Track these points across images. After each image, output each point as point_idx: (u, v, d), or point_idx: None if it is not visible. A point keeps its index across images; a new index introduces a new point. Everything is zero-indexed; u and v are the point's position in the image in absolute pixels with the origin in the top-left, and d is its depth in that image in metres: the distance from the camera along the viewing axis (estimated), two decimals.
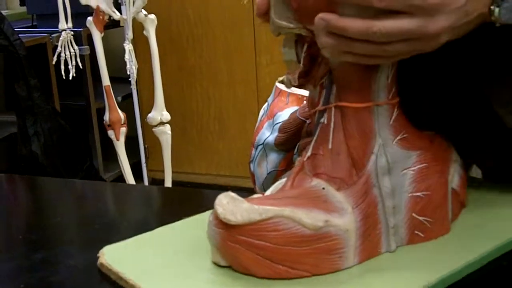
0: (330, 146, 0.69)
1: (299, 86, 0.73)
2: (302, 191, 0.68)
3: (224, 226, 0.64)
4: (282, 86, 1.06)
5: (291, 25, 0.67)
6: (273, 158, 1.02)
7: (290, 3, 0.65)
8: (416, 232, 0.70)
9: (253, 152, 1.07)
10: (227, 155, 3.31)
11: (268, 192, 0.72)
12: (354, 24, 0.59)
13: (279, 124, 1.02)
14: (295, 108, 1.01)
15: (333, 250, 0.65)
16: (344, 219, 0.65)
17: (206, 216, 0.68)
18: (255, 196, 0.70)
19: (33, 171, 2.51)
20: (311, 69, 0.71)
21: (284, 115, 1.02)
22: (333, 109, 0.69)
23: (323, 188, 0.68)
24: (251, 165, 1.08)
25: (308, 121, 0.93)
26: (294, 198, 0.67)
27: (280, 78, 0.77)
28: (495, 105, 0.77)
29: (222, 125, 3.30)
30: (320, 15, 0.61)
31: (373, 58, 0.63)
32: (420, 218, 0.70)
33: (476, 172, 0.89)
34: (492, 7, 0.62)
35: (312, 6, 0.63)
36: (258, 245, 0.63)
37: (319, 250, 0.64)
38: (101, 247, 0.74)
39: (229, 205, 0.64)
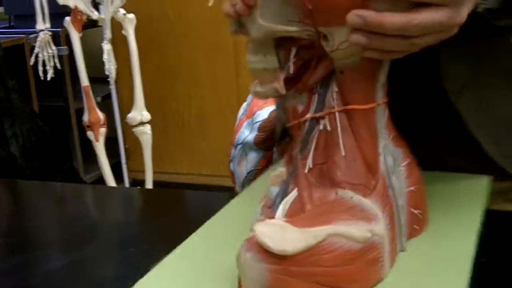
0: (343, 153, 0.65)
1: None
2: (332, 204, 0.63)
3: (275, 260, 0.57)
4: None
5: (292, 28, 0.62)
6: (253, 157, 1.02)
7: (298, 4, 0.60)
8: (414, 226, 0.70)
9: (232, 151, 1.07)
10: (208, 154, 3.30)
11: (279, 212, 0.64)
12: (393, 19, 0.57)
13: (258, 123, 1.01)
14: (275, 107, 1.01)
15: (377, 260, 0.62)
16: (380, 226, 0.63)
17: None
18: (278, 220, 0.62)
19: (12, 173, 2.48)
20: (302, 75, 0.67)
21: (263, 114, 1.02)
22: (337, 113, 0.65)
23: (352, 197, 0.64)
24: (231, 164, 1.07)
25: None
26: (330, 212, 0.62)
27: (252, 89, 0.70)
28: (445, 82, 0.78)
29: (203, 124, 3.29)
30: (356, 12, 0.57)
31: (398, 53, 0.62)
32: (416, 211, 0.70)
33: None
34: None
35: (336, 5, 0.59)
36: (316, 272, 0.58)
37: (367, 263, 0.61)
38: (80, 250, 0.73)
39: (277, 234, 0.58)
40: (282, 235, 0.58)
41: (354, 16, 0.57)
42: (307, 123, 0.67)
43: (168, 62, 3.26)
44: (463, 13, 0.59)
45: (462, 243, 0.69)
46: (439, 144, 0.84)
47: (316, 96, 0.67)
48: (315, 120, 0.67)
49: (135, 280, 0.67)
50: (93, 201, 1.06)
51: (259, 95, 0.70)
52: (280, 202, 0.66)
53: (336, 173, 0.65)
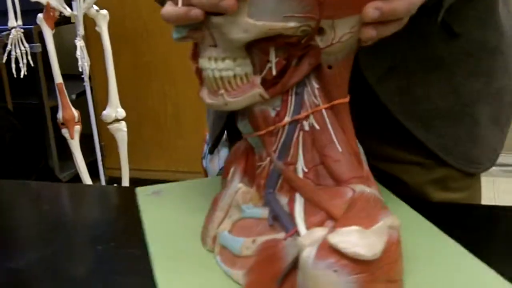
0: (340, 150, 0.63)
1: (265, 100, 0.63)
2: (359, 201, 0.61)
3: (362, 268, 0.54)
4: None
5: (290, 25, 0.57)
6: (225, 153, 1.02)
7: None
8: None
9: (205, 148, 1.07)
10: (184, 151, 3.29)
11: (300, 223, 0.60)
12: (402, 3, 0.56)
13: None
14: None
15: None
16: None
17: None
18: (350, 228, 0.57)
19: None
20: (280, 77, 0.62)
21: None
22: (323, 110, 0.63)
23: (368, 191, 0.62)
24: (204, 161, 1.08)
25: None
26: (365, 209, 0.60)
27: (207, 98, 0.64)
28: (365, 72, 0.78)
29: (179, 121, 3.28)
30: (373, 5, 0.55)
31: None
32: None
33: None
34: None
35: None
36: (387, 270, 0.56)
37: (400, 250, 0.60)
38: (47, 248, 0.72)
39: (361, 240, 0.54)
40: (366, 240, 0.54)
41: (372, 9, 0.56)
42: (286, 127, 0.63)
43: (143, 59, 3.24)
44: None
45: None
46: (372, 135, 0.83)
47: (294, 96, 0.63)
48: (295, 122, 0.63)
49: (99, 278, 0.67)
50: (66, 199, 1.05)
51: (224, 107, 0.63)
52: (278, 217, 0.62)
53: (341, 170, 0.62)
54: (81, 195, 1.06)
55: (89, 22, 2.60)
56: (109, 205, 0.95)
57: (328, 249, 0.54)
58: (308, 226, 0.59)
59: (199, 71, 0.65)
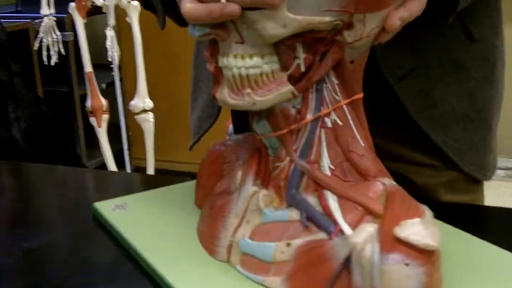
0: (363, 144, 0.62)
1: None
2: (395, 195, 0.61)
3: (428, 258, 0.55)
4: None
5: (326, 19, 0.56)
6: None
7: None
8: None
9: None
10: (210, 144, 3.30)
11: (340, 220, 0.59)
12: (417, 6, 0.58)
13: None
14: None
15: None
16: None
17: None
18: (415, 219, 0.57)
19: (13, 156, 2.50)
20: (305, 73, 0.60)
21: None
22: (344, 106, 0.62)
23: (395, 183, 0.62)
24: None
25: None
26: (404, 201, 0.60)
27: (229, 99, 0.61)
28: (385, 72, 0.78)
29: None
30: (397, 16, 0.56)
31: None
32: None
33: None
34: None
35: None
36: (440, 260, 0.57)
37: None
38: (56, 231, 0.74)
39: (426, 232, 0.55)
40: (429, 230, 0.55)
41: (396, 20, 0.57)
42: (308, 125, 0.62)
43: (173, 51, 3.26)
44: None
45: None
46: (387, 135, 0.83)
47: (314, 93, 0.61)
48: (317, 119, 0.62)
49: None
50: (93, 184, 1.06)
51: (253, 107, 0.60)
52: (313, 217, 0.61)
53: (367, 165, 0.62)
54: (105, 181, 1.07)
55: (121, 13, 2.62)
56: (130, 191, 0.94)
57: (394, 243, 0.54)
58: (349, 223, 0.58)
59: (217, 70, 0.62)
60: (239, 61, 0.59)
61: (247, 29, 0.57)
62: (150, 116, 2.60)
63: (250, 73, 0.59)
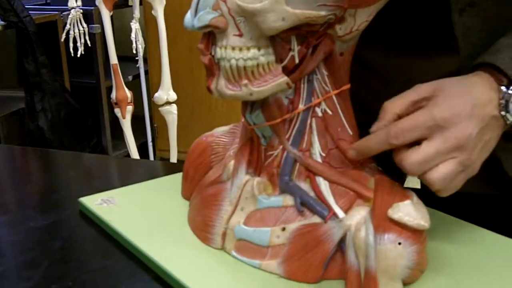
0: (351, 133, 0.66)
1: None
2: (384, 180, 0.64)
3: (419, 238, 0.59)
4: None
5: (321, 13, 0.58)
6: None
7: None
8: None
9: None
10: None
11: (333, 204, 0.63)
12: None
13: None
14: None
15: None
16: None
17: None
18: (407, 201, 0.61)
19: (40, 145, 2.55)
20: (298, 65, 0.63)
21: None
22: (334, 96, 0.65)
23: (381, 170, 0.66)
24: None
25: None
26: (393, 186, 0.63)
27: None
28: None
29: (230, 106, 3.31)
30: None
31: None
32: None
33: None
34: (502, 112, 0.63)
35: None
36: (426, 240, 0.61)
37: None
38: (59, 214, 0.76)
39: (417, 213, 0.59)
40: (419, 212, 0.59)
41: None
42: (300, 114, 0.65)
43: (197, 44, 3.28)
44: (459, 131, 0.59)
45: None
46: None
47: (306, 84, 0.64)
48: (309, 109, 0.65)
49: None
50: (117, 171, 1.09)
51: (250, 98, 0.62)
52: (307, 202, 0.63)
53: None
54: (127, 168, 1.11)
55: (148, 6, 2.65)
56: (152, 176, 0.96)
57: (388, 224, 0.58)
58: (341, 207, 0.62)
59: (212, 62, 0.64)
60: (237, 53, 0.61)
61: (245, 22, 0.60)
62: (173, 108, 2.62)
63: (248, 64, 0.61)
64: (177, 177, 0.84)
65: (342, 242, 0.61)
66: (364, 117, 0.66)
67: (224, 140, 0.78)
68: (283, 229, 0.64)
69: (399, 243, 0.57)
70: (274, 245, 0.64)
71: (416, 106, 0.61)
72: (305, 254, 0.62)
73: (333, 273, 0.62)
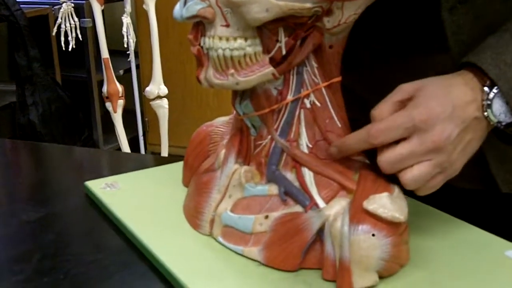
0: (339, 125, 0.66)
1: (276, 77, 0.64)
2: (368, 171, 0.65)
3: (395, 230, 0.59)
4: None
5: (307, 5, 0.59)
6: None
7: None
8: None
9: None
10: None
11: (316, 195, 0.64)
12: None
13: None
14: None
15: None
16: None
17: None
18: (383, 194, 0.61)
19: (31, 139, 2.55)
20: (286, 56, 0.63)
21: None
22: (323, 88, 0.65)
23: (369, 162, 0.67)
24: None
25: None
26: (377, 178, 0.64)
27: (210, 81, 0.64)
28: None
29: (221, 100, 3.32)
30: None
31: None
32: None
33: None
34: (485, 113, 0.62)
35: None
36: (407, 232, 0.62)
37: None
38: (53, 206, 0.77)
39: (395, 206, 0.59)
40: (396, 204, 0.59)
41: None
42: (288, 105, 0.65)
43: None
44: (437, 134, 0.60)
45: None
46: None
47: (295, 75, 0.65)
48: (297, 100, 0.65)
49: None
50: (107, 164, 1.11)
51: (235, 87, 0.64)
52: (290, 192, 0.65)
53: None
54: (119, 162, 1.12)
55: (139, 0, 2.65)
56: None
57: (363, 215, 0.58)
58: (323, 198, 0.63)
59: (200, 53, 0.65)
60: (224, 43, 0.62)
61: (232, 13, 0.61)
62: (164, 103, 2.63)
63: (234, 54, 0.62)
64: (180, 165, 0.87)
65: (321, 232, 0.62)
66: (362, 114, 0.67)
67: (222, 130, 0.79)
68: (266, 217, 0.65)
69: (373, 235, 0.58)
70: (257, 232, 0.65)
71: (403, 106, 0.62)
72: (285, 242, 0.63)
73: (312, 262, 0.63)
